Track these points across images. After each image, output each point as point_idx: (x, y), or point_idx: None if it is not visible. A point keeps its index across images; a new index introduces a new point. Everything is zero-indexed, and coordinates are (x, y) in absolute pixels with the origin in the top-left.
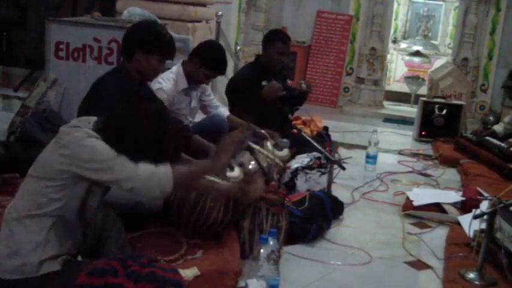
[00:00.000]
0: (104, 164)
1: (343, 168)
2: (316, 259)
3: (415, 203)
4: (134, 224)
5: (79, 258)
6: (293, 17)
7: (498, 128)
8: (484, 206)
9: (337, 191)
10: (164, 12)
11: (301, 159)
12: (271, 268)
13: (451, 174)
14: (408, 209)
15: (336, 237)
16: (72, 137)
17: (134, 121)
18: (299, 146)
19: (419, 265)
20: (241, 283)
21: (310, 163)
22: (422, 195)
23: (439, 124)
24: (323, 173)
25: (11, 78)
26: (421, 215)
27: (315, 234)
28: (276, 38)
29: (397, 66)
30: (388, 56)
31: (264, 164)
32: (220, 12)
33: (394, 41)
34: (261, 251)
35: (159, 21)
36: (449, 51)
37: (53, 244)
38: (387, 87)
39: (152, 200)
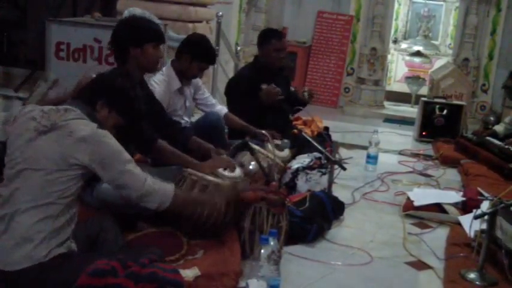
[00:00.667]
0: (119, 167)
1: (344, 169)
2: (316, 259)
3: (416, 203)
4: (134, 224)
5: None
6: (293, 18)
7: (499, 128)
8: (485, 206)
9: (338, 191)
10: (164, 12)
11: (302, 160)
12: (271, 268)
13: (452, 175)
14: (409, 209)
15: (337, 237)
16: (88, 132)
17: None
18: (300, 146)
19: (419, 265)
20: (242, 283)
21: (311, 163)
22: (422, 196)
23: (440, 124)
24: (324, 173)
25: (12, 78)
26: (422, 215)
27: (316, 234)
28: (270, 35)
29: (398, 67)
30: (389, 56)
31: (265, 164)
32: (220, 13)
33: (395, 41)
34: (262, 251)
35: (160, 21)
36: (450, 51)
37: (61, 231)
38: (388, 88)
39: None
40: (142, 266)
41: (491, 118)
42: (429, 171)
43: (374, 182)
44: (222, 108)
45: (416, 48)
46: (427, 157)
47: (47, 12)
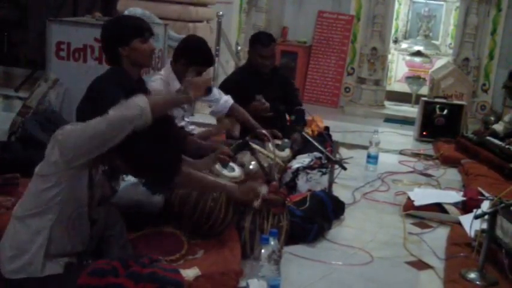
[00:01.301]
0: (89, 133)
1: (344, 168)
2: (317, 259)
3: (416, 203)
4: (135, 224)
5: (84, 261)
6: (294, 17)
7: (498, 127)
8: (485, 206)
9: (338, 191)
10: (165, 12)
11: (302, 159)
12: (272, 268)
13: (452, 174)
14: (409, 209)
15: (337, 237)
16: (63, 130)
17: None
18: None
19: (420, 265)
20: (242, 283)
21: (311, 163)
22: (423, 195)
23: (440, 124)
24: (324, 173)
25: (12, 78)
26: (422, 215)
27: (316, 234)
28: (256, 40)
29: (398, 66)
30: (389, 56)
31: (265, 164)
32: (221, 12)
33: (395, 41)
34: (262, 251)
35: (160, 21)
36: (450, 51)
37: (56, 243)
38: (388, 87)
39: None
40: (142, 266)
41: (492, 118)
42: (430, 171)
43: (374, 182)
44: (227, 100)
45: (416, 48)
46: (427, 157)
47: (47, 12)
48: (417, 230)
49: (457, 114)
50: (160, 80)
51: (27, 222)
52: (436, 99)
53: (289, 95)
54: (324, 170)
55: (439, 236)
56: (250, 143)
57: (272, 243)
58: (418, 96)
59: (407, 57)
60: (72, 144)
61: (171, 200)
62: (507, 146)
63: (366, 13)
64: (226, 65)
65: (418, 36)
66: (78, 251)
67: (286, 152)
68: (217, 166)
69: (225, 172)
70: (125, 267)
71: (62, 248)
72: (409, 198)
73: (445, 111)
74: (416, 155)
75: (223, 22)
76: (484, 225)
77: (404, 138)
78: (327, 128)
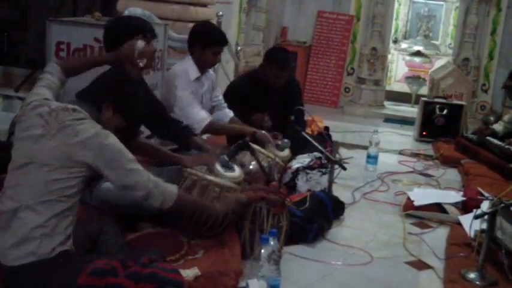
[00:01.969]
0: (125, 166)
1: (344, 169)
2: (317, 259)
3: (416, 203)
4: (134, 224)
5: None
6: (294, 17)
7: (498, 127)
8: (485, 206)
9: (338, 191)
10: (165, 12)
11: (302, 159)
12: (272, 268)
13: (452, 174)
14: (409, 209)
15: (337, 237)
16: (92, 134)
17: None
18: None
19: (420, 265)
20: (242, 283)
21: (311, 163)
22: (423, 196)
23: (440, 124)
24: (324, 173)
25: (12, 78)
26: (422, 215)
27: (316, 234)
28: (273, 60)
29: (398, 66)
30: (389, 56)
31: (265, 164)
32: (220, 13)
33: (395, 41)
34: (262, 251)
35: (160, 21)
36: (450, 51)
37: (63, 229)
38: (388, 87)
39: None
40: (142, 266)
41: (492, 118)
42: (429, 171)
43: (374, 182)
44: (229, 112)
45: (416, 48)
46: (427, 157)
47: (47, 12)
48: (417, 230)
49: (457, 114)
50: (183, 70)
51: (36, 208)
52: (436, 99)
53: (292, 95)
54: (323, 170)
55: (438, 236)
56: (250, 143)
57: (272, 243)
58: (418, 96)
59: (407, 57)
60: (107, 163)
61: None
62: (507, 146)
63: (365, 13)
64: (226, 65)
65: (418, 36)
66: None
67: (286, 152)
68: (218, 166)
69: (225, 172)
70: (124, 267)
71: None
72: (408, 198)
73: (445, 111)
74: (416, 155)
75: (223, 22)
76: (484, 225)
77: (404, 138)
78: (326, 128)
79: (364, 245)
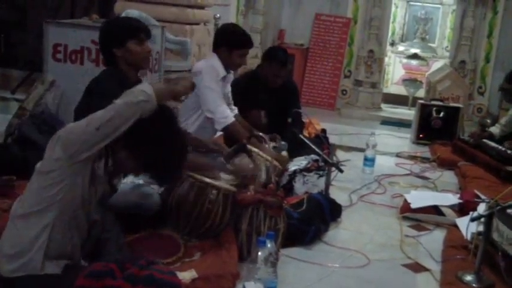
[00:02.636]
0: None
1: (341, 171)
2: (314, 261)
3: (413, 206)
4: (132, 226)
5: (81, 262)
6: (291, 20)
7: (494, 129)
8: (482, 208)
9: (335, 194)
10: (162, 14)
11: (299, 162)
12: (269, 271)
13: (449, 177)
14: (406, 211)
15: (334, 239)
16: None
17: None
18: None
19: (416, 267)
20: (239, 286)
21: (308, 165)
22: (420, 198)
23: (437, 127)
24: (321, 176)
25: (9, 80)
26: (419, 218)
27: (313, 236)
28: (273, 58)
29: (395, 69)
30: (386, 59)
31: (263, 167)
32: (218, 15)
33: (392, 44)
34: (259, 253)
35: (157, 23)
36: (447, 53)
37: (57, 242)
38: (385, 90)
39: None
40: (139, 268)
41: (488, 120)
42: (426, 174)
43: (371, 184)
44: (234, 109)
45: (413, 50)
46: (424, 159)
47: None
48: (414, 232)
49: (454, 117)
50: (211, 68)
51: (29, 220)
52: (433, 102)
53: (290, 97)
54: (320, 172)
55: (435, 239)
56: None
57: (269, 245)
58: (415, 99)
59: (404, 60)
60: (77, 138)
61: (169, 202)
62: (504, 149)
63: (363, 16)
64: None
65: (415, 39)
66: (77, 252)
67: (284, 154)
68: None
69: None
70: (121, 270)
71: (62, 248)
72: (405, 200)
73: (442, 114)
74: (413, 157)
75: (221, 24)
76: (481, 228)
77: (401, 140)
78: (323, 131)
79: (361, 248)
